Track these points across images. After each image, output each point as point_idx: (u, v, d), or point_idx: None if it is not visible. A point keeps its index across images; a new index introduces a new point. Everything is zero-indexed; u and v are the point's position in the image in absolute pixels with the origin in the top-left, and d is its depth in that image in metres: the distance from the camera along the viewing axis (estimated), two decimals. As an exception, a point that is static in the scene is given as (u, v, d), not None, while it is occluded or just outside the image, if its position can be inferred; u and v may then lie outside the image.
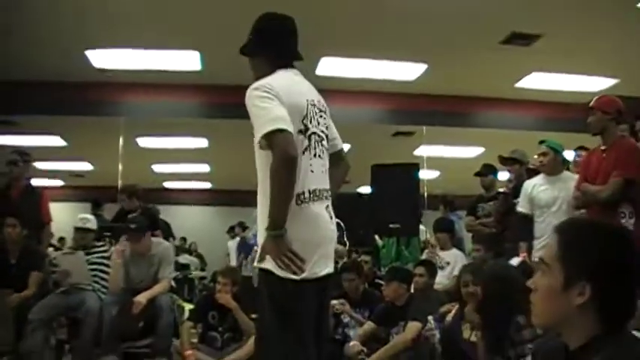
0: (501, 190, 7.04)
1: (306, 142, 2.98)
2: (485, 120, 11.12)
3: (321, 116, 3.10)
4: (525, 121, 10.87)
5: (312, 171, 2.99)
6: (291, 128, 2.80)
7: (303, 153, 2.95)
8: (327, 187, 3.07)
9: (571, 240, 1.58)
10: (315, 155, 3.01)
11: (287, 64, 3.14)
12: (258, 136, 2.82)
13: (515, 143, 7.45)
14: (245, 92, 2.95)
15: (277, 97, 2.86)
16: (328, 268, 3.02)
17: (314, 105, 3.07)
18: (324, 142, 3.09)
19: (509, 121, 10.96)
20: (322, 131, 3.09)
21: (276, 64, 3.10)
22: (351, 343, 5.74)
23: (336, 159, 3.24)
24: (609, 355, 1.45)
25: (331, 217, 3.07)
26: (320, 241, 2.98)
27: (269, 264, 2.90)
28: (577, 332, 1.52)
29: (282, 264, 2.82)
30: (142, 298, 6.13)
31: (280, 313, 2.93)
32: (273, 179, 2.78)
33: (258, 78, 3.01)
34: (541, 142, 6.24)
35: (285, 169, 2.76)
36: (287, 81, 3.02)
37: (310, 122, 3.01)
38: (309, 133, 3.00)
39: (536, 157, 6.38)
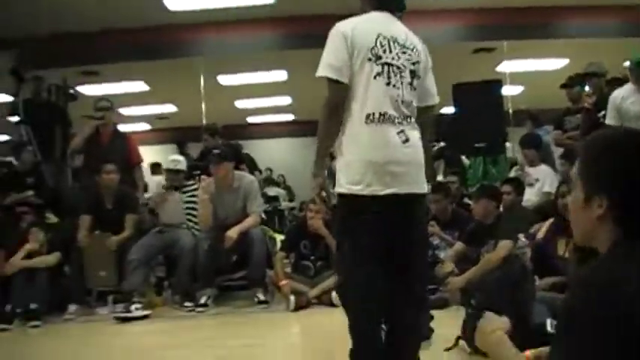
0: (584, 105, 6.80)
1: (378, 69, 3.11)
2: (569, 30, 10.69)
3: (403, 52, 3.20)
4: (611, 27, 10.40)
5: (387, 96, 3.11)
6: (341, 77, 3.07)
7: (375, 78, 3.10)
8: (404, 114, 3.16)
9: (588, 155, 1.62)
10: (389, 84, 3.13)
11: (383, 9, 3.28)
12: (317, 72, 3.12)
13: (601, 52, 7.17)
14: (319, 21, 3.06)
15: (344, 39, 3.10)
16: (394, 189, 3.08)
17: (392, 40, 3.18)
18: (405, 75, 3.18)
19: (594, 28, 10.51)
20: (402, 65, 3.18)
21: (373, 5, 3.27)
22: (446, 262, 5.76)
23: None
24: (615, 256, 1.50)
25: (406, 141, 3.13)
26: (383, 161, 3.07)
27: (339, 188, 3.13)
28: (603, 244, 1.56)
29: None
30: (232, 232, 6.28)
31: (343, 230, 3.20)
32: (319, 120, 3.12)
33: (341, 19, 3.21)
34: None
35: (327, 117, 3.10)
36: (365, 19, 3.22)
37: (384, 52, 3.14)
38: (381, 62, 3.12)
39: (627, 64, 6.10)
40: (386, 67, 3.13)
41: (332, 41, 3.12)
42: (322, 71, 3.10)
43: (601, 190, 1.55)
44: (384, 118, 3.08)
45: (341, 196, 3.13)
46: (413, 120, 3.19)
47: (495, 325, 3.65)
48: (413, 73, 3.21)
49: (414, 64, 3.22)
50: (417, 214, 3.23)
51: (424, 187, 3.22)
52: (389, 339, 3.19)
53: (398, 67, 3.15)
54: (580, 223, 1.63)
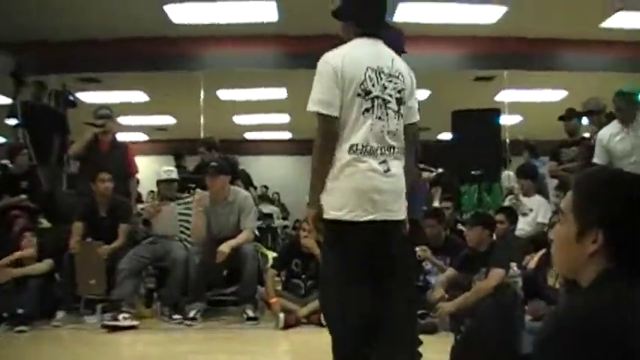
0: (586, 135, 6.83)
1: (368, 104, 3.23)
2: (569, 62, 10.77)
3: (389, 81, 3.30)
4: (611, 62, 10.48)
5: (372, 130, 3.24)
6: (332, 111, 3.16)
7: (363, 114, 3.22)
8: (388, 145, 3.29)
9: (584, 189, 1.61)
10: (376, 117, 3.25)
11: (368, 34, 3.34)
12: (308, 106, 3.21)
13: (600, 85, 7.23)
14: (321, 41, 3.11)
15: (334, 73, 3.17)
16: (375, 215, 3.22)
17: (379, 71, 3.28)
18: (391, 105, 3.30)
19: (593, 62, 10.59)
20: (389, 95, 3.29)
21: (356, 33, 3.34)
22: (437, 288, 5.75)
23: (405, 131, 3.41)
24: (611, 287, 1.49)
25: (387, 170, 3.27)
26: (365, 189, 3.21)
27: (324, 214, 3.24)
28: (588, 278, 1.55)
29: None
30: (224, 247, 6.27)
31: (326, 254, 3.36)
32: (313, 157, 3.24)
33: (343, 41, 3.31)
34: (618, 93, 5.94)
35: (321, 150, 3.22)
36: (352, 50, 3.28)
37: (372, 87, 3.25)
38: (370, 96, 3.24)
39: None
40: (375, 101, 3.25)
41: (322, 75, 3.20)
42: (313, 106, 3.19)
43: (597, 225, 1.53)
44: (366, 150, 3.23)
45: (325, 221, 3.25)
46: (396, 150, 3.33)
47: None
48: (399, 101, 3.33)
49: (400, 91, 3.34)
50: (395, 239, 3.36)
51: (402, 215, 3.37)
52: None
53: (384, 100, 3.27)
54: (568, 258, 1.61)
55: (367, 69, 3.25)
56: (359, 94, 3.22)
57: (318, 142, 3.22)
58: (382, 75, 3.29)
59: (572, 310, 1.49)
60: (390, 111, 3.30)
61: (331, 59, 3.22)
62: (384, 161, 3.28)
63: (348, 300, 3.23)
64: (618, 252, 1.51)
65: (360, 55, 3.28)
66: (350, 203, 3.20)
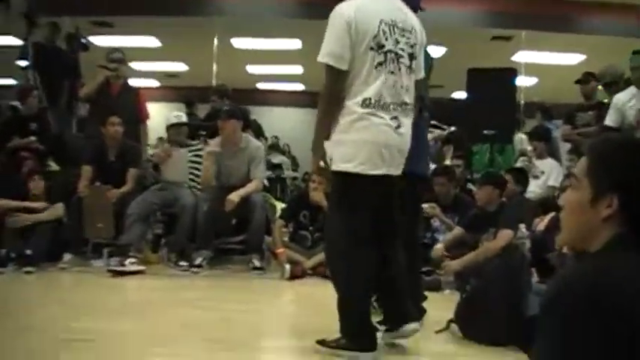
0: (605, 100, 6.72)
1: (380, 58, 3.26)
2: (589, 25, 10.61)
3: (402, 35, 3.34)
4: (631, 27, 10.28)
5: (385, 84, 3.28)
6: (342, 64, 3.20)
7: (376, 67, 3.25)
8: (400, 101, 3.35)
9: (599, 155, 1.61)
10: (389, 71, 3.29)
11: None
12: (318, 57, 3.25)
13: (619, 50, 7.08)
14: None
15: (347, 25, 3.19)
16: (383, 170, 3.32)
17: (393, 25, 3.30)
18: (404, 60, 3.35)
19: (614, 26, 10.41)
20: (401, 49, 3.33)
21: None
22: (437, 246, 5.75)
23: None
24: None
25: (398, 127, 3.34)
26: (378, 143, 3.28)
27: (333, 166, 3.33)
28: (597, 244, 1.54)
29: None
30: (234, 196, 6.25)
31: (336, 204, 3.41)
32: (318, 105, 3.32)
33: None
34: (635, 52, 5.84)
35: (326, 102, 3.28)
36: (366, 2, 3.30)
37: (386, 40, 3.27)
38: (383, 50, 3.27)
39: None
40: (387, 55, 3.28)
41: (334, 26, 3.22)
42: (323, 58, 3.22)
43: (612, 189, 1.52)
44: (379, 104, 3.27)
45: (334, 173, 3.33)
46: (409, 106, 3.39)
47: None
48: (411, 56, 3.38)
49: (412, 46, 3.39)
50: (395, 192, 3.50)
51: (401, 170, 3.46)
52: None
53: (397, 54, 3.31)
54: (579, 223, 1.60)
55: (381, 22, 3.26)
56: (372, 48, 3.24)
57: (325, 94, 3.28)
58: (396, 29, 3.31)
59: (580, 273, 1.47)
60: (402, 66, 3.33)
61: (345, 11, 3.22)
62: (396, 117, 3.33)
63: (355, 263, 3.32)
64: (632, 217, 1.50)
65: (374, 7, 3.29)
66: (360, 156, 3.26)
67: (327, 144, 3.38)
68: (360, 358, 3.35)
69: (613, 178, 1.53)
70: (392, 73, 3.29)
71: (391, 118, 3.30)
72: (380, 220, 3.41)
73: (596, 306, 1.34)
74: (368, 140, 3.27)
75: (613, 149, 1.59)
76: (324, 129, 3.34)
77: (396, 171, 3.40)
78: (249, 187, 6.40)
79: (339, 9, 3.24)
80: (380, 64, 3.26)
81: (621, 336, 1.31)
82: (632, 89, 5.72)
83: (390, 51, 3.28)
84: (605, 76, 6.69)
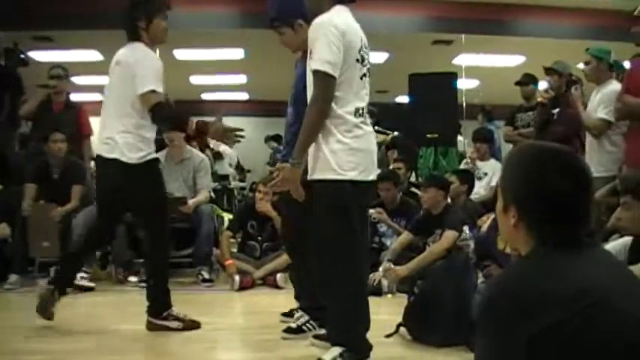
0: (539, 99, 6.88)
1: (364, 70, 3.41)
2: (527, 28, 10.81)
3: (366, 50, 3.47)
4: (568, 29, 10.53)
5: (366, 95, 3.47)
6: (336, 72, 3.26)
7: (361, 79, 3.41)
8: (368, 110, 3.54)
9: (505, 167, 1.76)
10: (368, 83, 3.47)
11: (346, 2, 3.46)
12: (312, 65, 3.29)
13: (558, 52, 7.26)
14: None
15: (340, 35, 3.27)
16: (372, 175, 3.50)
17: (363, 42, 3.44)
18: (367, 73, 3.49)
19: (551, 29, 10.64)
20: (368, 63, 3.48)
21: (335, 1, 3.43)
22: (385, 264, 5.69)
23: None
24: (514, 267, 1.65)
25: (371, 132, 3.55)
26: (370, 151, 3.45)
27: (321, 174, 3.36)
28: (523, 250, 1.66)
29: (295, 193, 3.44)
30: (188, 208, 6.33)
31: (330, 218, 3.37)
32: (309, 113, 3.31)
33: (315, 12, 3.41)
34: (587, 49, 6.03)
35: (320, 110, 3.29)
36: (345, 17, 3.40)
37: (366, 55, 3.44)
38: (364, 63, 3.42)
39: (580, 65, 6.20)
40: (366, 68, 3.43)
41: (327, 36, 3.26)
42: (321, 66, 3.25)
43: (512, 201, 1.65)
44: (363, 112, 3.42)
45: (325, 182, 3.34)
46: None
47: None
48: (369, 71, 3.51)
49: (369, 61, 3.52)
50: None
51: None
52: None
53: (368, 68, 3.47)
54: (502, 229, 1.74)
55: (361, 37, 3.42)
56: (357, 60, 3.37)
57: (319, 103, 3.29)
58: (365, 45, 3.46)
59: (498, 286, 1.58)
60: (367, 78, 3.48)
61: (336, 21, 3.31)
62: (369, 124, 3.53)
63: (357, 268, 3.45)
64: (531, 227, 1.62)
65: (352, 22, 3.42)
66: (362, 163, 3.37)
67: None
68: None
69: (512, 190, 1.66)
70: (366, 85, 3.46)
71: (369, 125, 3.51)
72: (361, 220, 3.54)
73: (522, 309, 1.42)
74: (364, 148, 3.39)
75: (515, 162, 1.70)
76: (313, 139, 3.35)
77: (374, 174, 3.58)
78: (199, 198, 6.40)
79: (328, 20, 3.31)
80: (364, 75, 3.42)
81: (531, 336, 1.39)
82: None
83: (366, 65, 3.43)
84: (555, 64, 6.72)
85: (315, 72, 3.27)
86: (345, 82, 3.31)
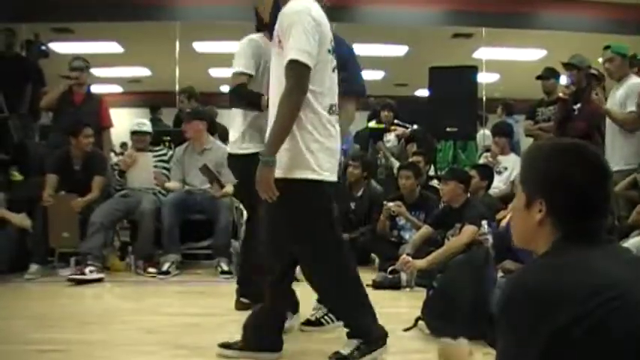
0: (560, 95, 6.84)
1: (334, 63, 3.26)
2: (548, 21, 10.76)
3: (333, 44, 3.30)
4: (590, 22, 10.47)
5: (336, 90, 3.31)
6: (312, 63, 3.06)
7: (333, 71, 3.26)
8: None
9: (528, 161, 1.72)
10: (335, 77, 3.29)
11: None
12: (288, 55, 3.05)
13: (580, 46, 7.19)
14: None
15: (316, 24, 3.10)
16: (334, 176, 3.31)
17: (331, 33, 3.29)
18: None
19: (573, 22, 10.58)
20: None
21: None
22: (403, 256, 5.66)
23: None
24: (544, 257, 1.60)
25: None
26: (338, 150, 3.33)
27: (301, 173, 3.16)
28: (542, 247, 1.64)
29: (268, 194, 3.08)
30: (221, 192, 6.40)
31: (305, 214, 3.25)
32: (284, 105, 3.07)
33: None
34: (606, 47, 5.98)
35: (296, 103, 3.06)
36: (316, 6, 3.21)
37: (334, 45, 3.28)
38: (335, 55, 3.27)
39: (601, 60, 6.15)
40: (335, 61, 3.29)
41: (302, 24, 3.06)
42: (299, 55, 3.04)
43: (540, 194, 1.62)
44: (335, 110, 3.29)
45: (303, 181, 3.16)
46: None
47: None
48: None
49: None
50: None
51: None
52: None
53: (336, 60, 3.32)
54: (521, 227, 1.70)
55: (331, 27, 3.26)
56: (329, 50, 3.22)
57: (295, 96, 3.06)
58: (332, 37, 3.30)
59: (518, 282, 1.56)
60: (336, 72, 3.32)
61: (310, 8, 3.13)
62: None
63: (342, 261, 3.37)
64: (560, 220, 1.60)
65: (322, 13, 3.23)
66: (335, 164, 3.27)
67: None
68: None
69: (539, 184, 1.63)
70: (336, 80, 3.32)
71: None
72: None
73: (542, 305, 1.42)
74: (335, 149, 3.27)
75: (539, 156, 1.69)
76: (287, 134, 3.09)
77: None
78: (227, 189, 6.42)
79: (301, 7, 3.11)
80: (334, 68, 3.27)
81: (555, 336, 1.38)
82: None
83: (334, 57, 3.28)
84: (573, 58, 6.66)
85: (292, 62, 3.04)
86: (318, 74, 3.13)
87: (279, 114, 3.08)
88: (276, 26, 3.18)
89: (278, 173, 3.09)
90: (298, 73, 3.04)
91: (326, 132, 3.19)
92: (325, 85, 3.19)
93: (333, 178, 3.26)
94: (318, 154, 3.16)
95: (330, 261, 3.34)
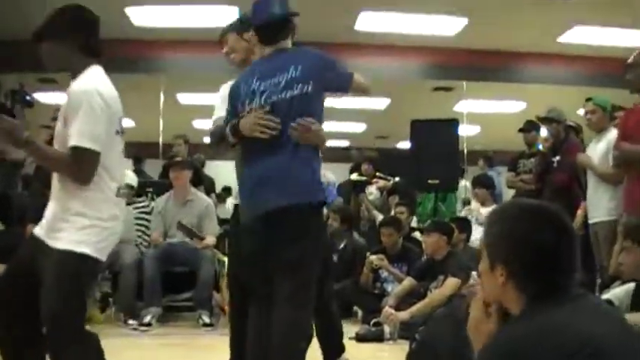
0: (539, 148, 6.94)
1: (123, 144, 3.12)
2: (527, 75, 10.93)
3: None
4: (568, 76, 10.66)
5: (123, 173, 3.30)
6: (99, 149, 2.84)
7: (121, 152, 3.12)
8: None
9: (490, 226, 1.75)
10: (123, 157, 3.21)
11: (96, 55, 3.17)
12: (71, 141, 2.81)
13: (558, 98, 7.34)
14: None
15: (107, 108, 2.95)
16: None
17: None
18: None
19: (551, 75, 10.76)
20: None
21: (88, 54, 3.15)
22: (385, 308, 5.67)
23: None
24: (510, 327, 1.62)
25: None
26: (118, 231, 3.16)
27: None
28: (513, 308, 1.66)
29: None
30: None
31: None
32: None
33: (63, 68, 3.22)
34: (588, 99, 6.09)
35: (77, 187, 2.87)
36: (107, 82, 3.10)
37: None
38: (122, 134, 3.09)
39: (582, 113, 6.25)
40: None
41: (91, 104, 2.90)
42: (82, 142, 2.82)
43: (499, 259, 1.65)
44: (121, 192, 3.15)
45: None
46: None
47: None
48: None
49: None
50: None
51: None
52: None
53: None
54: (489, 289, 1.72)
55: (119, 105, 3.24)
56: (117, 131, 3.16)
57: (78, 182, 2.91)
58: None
59: (495, 347, 1.58)
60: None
61: (101, 90, 3.02)
62: None
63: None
64: (525, 280, 1.63)
65: (114, 92, 3.20)
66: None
67: None
68: None
69: (498, 248, 1.67)
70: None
71: None
72: None
73: None
74: (116, 230, 3.25)
75: (498, 220, 1.72)
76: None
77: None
78: (208, 242, 6.40)
79: (90, 86, 2.98)
80: (123, 149, 3.30)
81: None
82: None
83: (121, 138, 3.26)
84: (550, 112, 6.74)
85: (75, 148, 2.78)
86: (104, 156, 2.89)
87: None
88: (64, 103, 3.00)
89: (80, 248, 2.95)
90: (81, 159, 2.81)
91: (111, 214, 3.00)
92: (113, 166, 2.99)
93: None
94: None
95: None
